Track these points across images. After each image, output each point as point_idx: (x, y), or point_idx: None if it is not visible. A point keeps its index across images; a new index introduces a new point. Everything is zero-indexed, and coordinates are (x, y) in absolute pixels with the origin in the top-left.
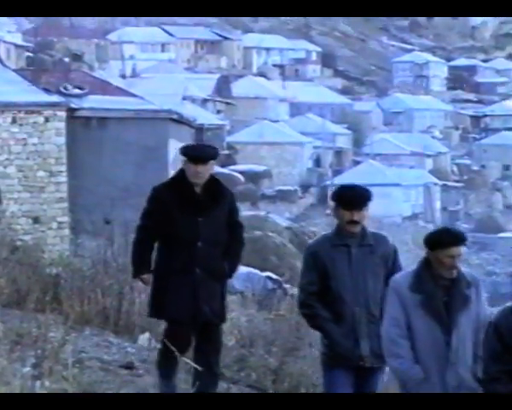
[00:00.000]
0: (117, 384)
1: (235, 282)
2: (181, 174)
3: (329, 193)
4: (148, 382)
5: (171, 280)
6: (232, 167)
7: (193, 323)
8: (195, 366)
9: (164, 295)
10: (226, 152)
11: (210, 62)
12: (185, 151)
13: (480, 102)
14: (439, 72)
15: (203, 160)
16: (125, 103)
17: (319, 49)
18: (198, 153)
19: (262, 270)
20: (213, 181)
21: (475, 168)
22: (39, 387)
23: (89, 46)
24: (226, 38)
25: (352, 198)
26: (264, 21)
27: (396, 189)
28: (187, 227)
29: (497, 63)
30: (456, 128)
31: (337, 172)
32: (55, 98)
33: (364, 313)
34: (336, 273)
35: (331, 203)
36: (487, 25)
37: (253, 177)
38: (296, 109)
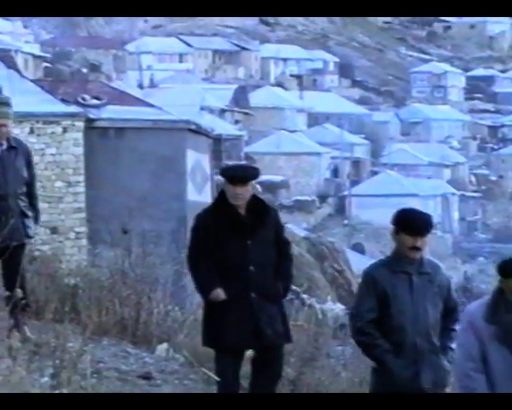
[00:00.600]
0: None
1: None
2: (222, 197)
3: (347, 204)
4: (165, 392)
5: (228, 308)
6: None
7: (255, 348)
8: (214, 376)
9: (221, 323)
10: (244, 162)
11: (227, 73)
12: (224, 172)
13: (497, 112)
14: (456, 82)
15: (242, 181)
16: (143, 114)
17: (337, 60)
18: (236, 174)
19: None
20: (256, 201)
21: (493, 178)
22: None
23: (107, 56)
24: (244, 49)
25: (417, 224)
26: (281, 31)
27: (413, 199)
28: (237, 252)
29: None
30: (474, 138)
31: (355, 183)
32: (72, 109)
33: (426, 343)
34: (397, 301)
35: (391, 227)
36: (505, 35)
37: (270, 187)
38: (314, 119)
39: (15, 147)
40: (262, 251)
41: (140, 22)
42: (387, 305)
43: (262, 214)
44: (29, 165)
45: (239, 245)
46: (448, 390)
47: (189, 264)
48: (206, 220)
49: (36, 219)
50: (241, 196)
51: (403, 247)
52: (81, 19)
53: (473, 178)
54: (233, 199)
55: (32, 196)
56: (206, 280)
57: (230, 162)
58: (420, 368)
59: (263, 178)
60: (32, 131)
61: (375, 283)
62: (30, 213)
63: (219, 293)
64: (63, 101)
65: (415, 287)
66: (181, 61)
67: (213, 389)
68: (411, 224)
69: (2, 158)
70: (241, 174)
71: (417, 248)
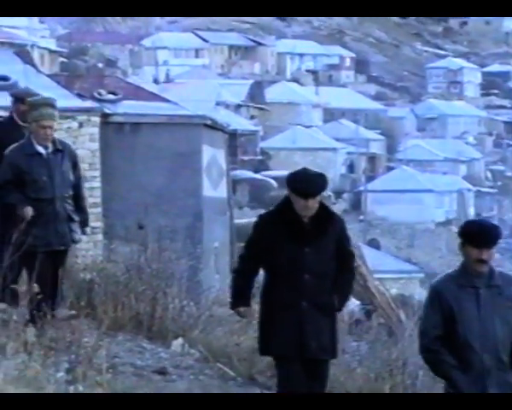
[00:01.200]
0: (150, 390)
1: None
2: (287, 202)
3: (363, 199)
4: (180, 387)
5: (277, 314)
6: (265, 173)
7: (299, 358)
8: (230, 371)
9: (270, 330)
10: (259, 158)
11: (243, 68)
12: (293, 186)
13: None
14: (472, 77)
15: (313, 194)
16: (159, 109)
17: (353, 55)
18: (308, 188)
19: None
20: (321, 208)
21: (509, 174)
22: (73, 392)
23: (123, 52)
24: (260, 44)
25: (482, 235)
26: (297, 27)
27: (429, 195)
28: (293, 258)
29: None
30: (490, 134)
31: (370, 178)
32: (88, 104)
33: (494, 360)
34: (463, 317)
35: (458, 239)
36: None
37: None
38: (329, 115)
39: (61, 149)
40: (320, 260)
41: (156, 17)
42: (453, 320)
43: (325, 222)
44: (75, 167)
45: (296, 251)
46: None
47: (237, 263)
48: (266, 222)
49: (84, 222)
50: (311, 208)
51: (469, 260)
52: None
53: (488, 174)
54: (302, 211)
55: (79, 198)
56: (238, 294)
57: (246, 158)
58: (487, 385)
59: (278, 173)
60: None
61: (440, 298)
62: (76, 218)
63: (242, 314)
64: (79, 96)
65: (482, 301)
66: (197, 57)
67: (229, 385)
68: (477, 236)
69: (49, 161)
70: (312, 188)
71: (484, 261)
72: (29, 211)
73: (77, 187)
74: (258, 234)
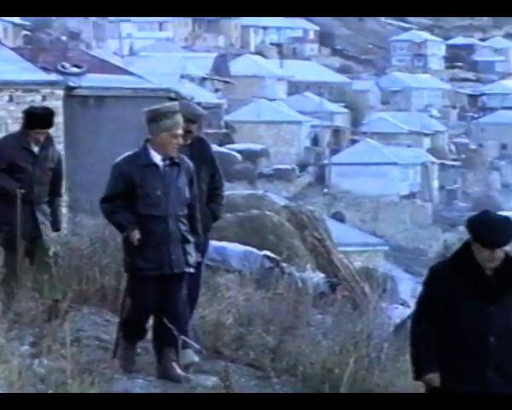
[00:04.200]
0: (115, 363)
1: (233, 261)
2: (467, 250)
3: (327, 172)
4: (146, 361)
5: (456, 385)
6: (230, 146)
7: None
8: (195, 344)
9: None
10: (224, 131)
11: (208, 41)
12: (478, 234)
13: (477, 80)
14: (436, 50)
15: (502, 244)
16: (123, 82)
17: (317, 28)
18: (496, 238)
19: (259, 249)
20: (506, 258)
21: (473, 147)
22: (37, 365)
23: (86, 25)
24: (224, 17)
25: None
26: None
27: (393, 168)
28: (477, 318)
29: (494, 42)
30: (454, 107)
31: (335, 151)
32: (52, 77)
33: None
34: None
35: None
36: None
37: (250, 156)
38: (294, 88)
39: (178, 163)
40: (507, 321)
41: None
42: None
43: (511, 275)
44: (191, 184)
45: (480, 310)
46: None
47: (412, 326)
48: (442, 274)
49: (197, 246)
50: (497, 258)
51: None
52: None
53: (453, 147)
54: (489, 263)
55: (192, 219)
56: (424, 360)
57: (210, 131)
58: None
59: (243, 146)
60: (11, 100)
61: None
62: (191, 239)
63: (433, 382)
64: (43, 69)
65: None
66: (161, 30)
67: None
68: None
69: (164, 174)
70: (502, 239)
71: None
72: (136, 235)
73: (192, 207)
74: (433, 289)
